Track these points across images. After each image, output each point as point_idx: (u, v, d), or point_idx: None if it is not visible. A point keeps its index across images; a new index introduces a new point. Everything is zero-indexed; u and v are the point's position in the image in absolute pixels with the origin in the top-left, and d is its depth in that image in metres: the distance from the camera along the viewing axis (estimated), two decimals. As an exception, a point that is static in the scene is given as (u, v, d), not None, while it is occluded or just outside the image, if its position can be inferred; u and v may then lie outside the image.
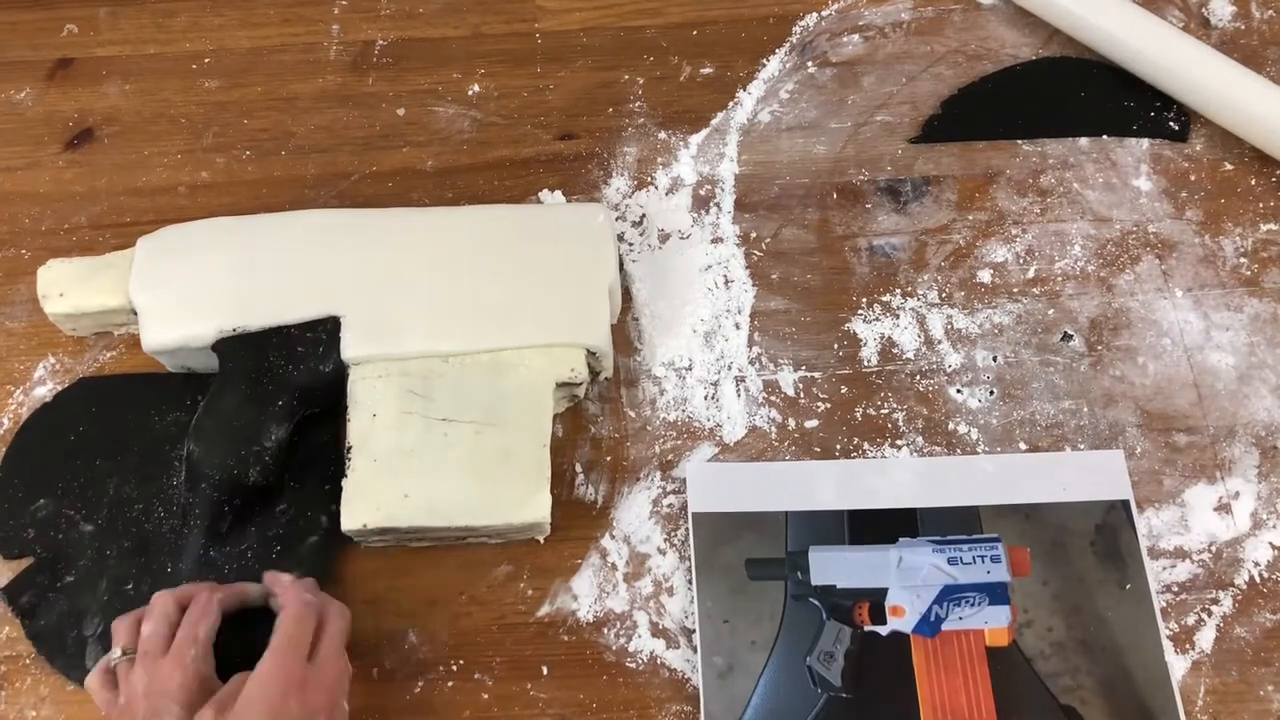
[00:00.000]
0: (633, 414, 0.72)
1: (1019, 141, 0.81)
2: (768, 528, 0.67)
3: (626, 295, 0.76)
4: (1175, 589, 0.66)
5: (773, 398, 0.72)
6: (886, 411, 0.72)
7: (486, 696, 0.64)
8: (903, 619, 0.64)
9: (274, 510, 0.68)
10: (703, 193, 0.80)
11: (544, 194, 0.80)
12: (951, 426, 0.71)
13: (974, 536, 0.66)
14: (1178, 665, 0.64)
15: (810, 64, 0.85)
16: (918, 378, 0.73)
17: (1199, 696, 0.63)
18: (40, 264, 0.73)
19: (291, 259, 0.71)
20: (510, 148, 0.82)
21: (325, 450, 0.70)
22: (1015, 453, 0.70)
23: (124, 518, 0.68)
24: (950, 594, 0.65)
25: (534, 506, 0.65)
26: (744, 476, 0.69)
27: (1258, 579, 0.66)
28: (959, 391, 0.72)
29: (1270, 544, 0.67)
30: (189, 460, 0.67)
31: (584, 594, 0.67)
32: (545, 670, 0.65)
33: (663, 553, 0.68)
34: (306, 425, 0.70)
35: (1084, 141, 0.81)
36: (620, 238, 0.78)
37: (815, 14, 0.88)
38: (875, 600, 0.65)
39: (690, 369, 0.73)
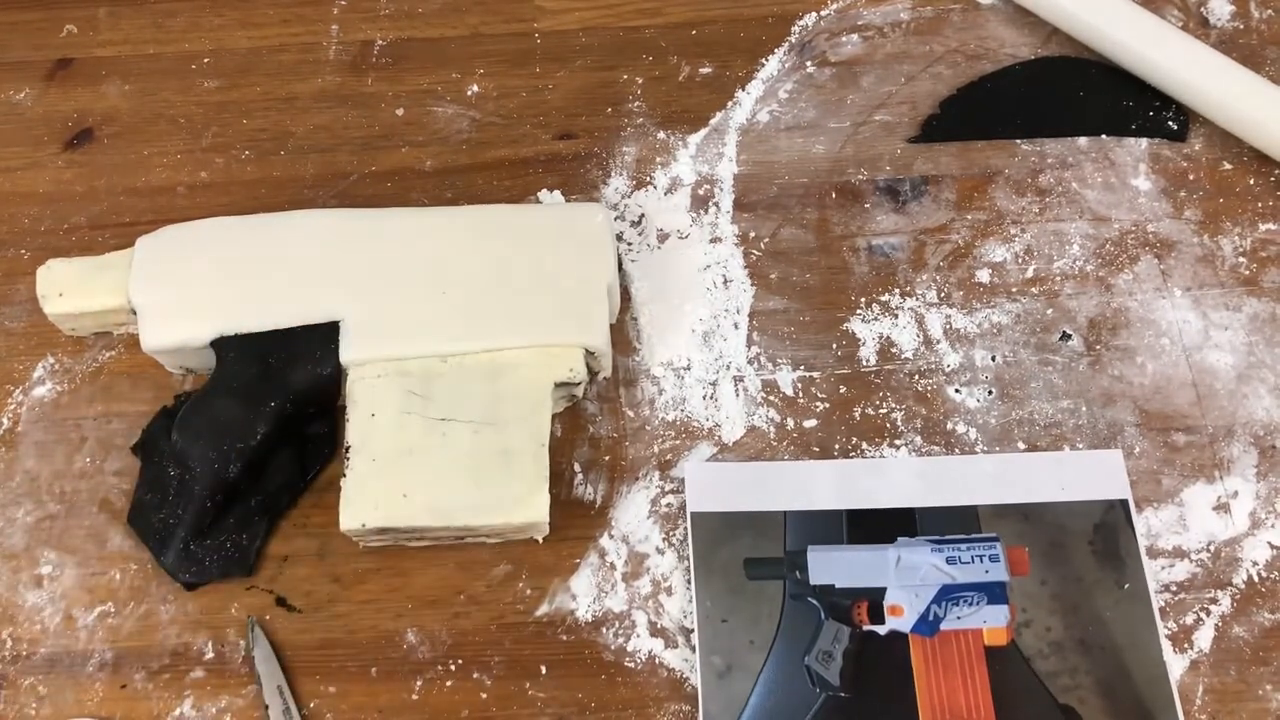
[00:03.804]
0: (631, 414, 0.72)
1: (1018, 141, 0.81)
2: (766, 527, 0.67)
3: (625, 295, 0.76)
4: (1174, 588, 0.66)
5: (771, 397, 0.72)
6: (885, 411, 0.72)
7: (485, 696, 0.64)
8: (901, 618, 0.64)
9: (250, 503, 0.68)
10: (701, 192, 0.80)
11: (543, 194, 0.80)
12: (950, 426, 0.71)
13: (972, 536, 0.66)
14: (1176, 665, 0.64)
15: (809, 64, 0.85)
16: (916, 377, 0.73)
17: (1197, 696, 0.63)
18: (40, 264, 0.73)
19: (291, 259, 0.71)
20: (509, 148, 0.82)
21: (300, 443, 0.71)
22: (1014, 452, 0.70)
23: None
24: (949, 593, 0.65)
25: (532, 506, 0.65)
26: (742, 476, 0.69)
27: (1256, 578, 0.66)
28: (957, 391, 0.72)
29: (1269, 543, 0.67)
30: (174, 453, 0.67)
31: (582, 593, 0.67)
32: (544, 670, 0.65)
33: (661, 552, 0.68)
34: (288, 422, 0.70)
35: (1083, 141, 0.81)
36: (619, 237, 0.78)
37: (814, 14, 0.88)
38: (874, 600, 0.65)
39: (689, 369, 0.73)
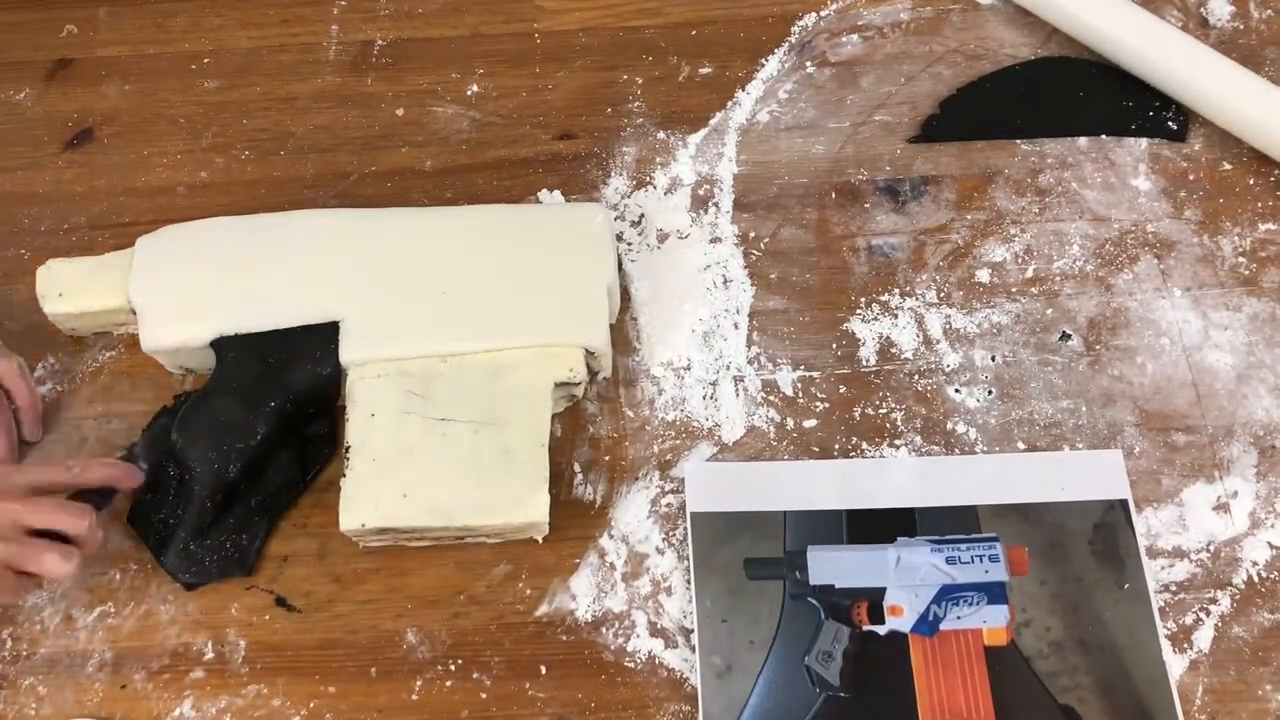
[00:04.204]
0: (631, 414, 0.72)
1: (1017, 141, 0.81)
2: (766, 527, 0.67)
3: (625, 295, 0.76)
4: (1173, 588, 0.66)
5: (771, 397, 0.72)
6: (885, 411, 0.72)
7: (485, 696, 0.64)
8: (901, 618, 0.64)
9: (250, 503, 0.68)
10: (701, 192, 0.80)
11: (543, 194, 0.80)
12: (950, 426, 0.71)
13: (972, 536, 0.66)
14: (1176, 664, 0.64)
15: (809, 64, 0.85)
16: (916, 377, 0.73)
17: (1197, 696, 0.63)
18: (40, 264, 0.73)
19: (291, 260, 0.71)
20: (509, 148, 0.82)
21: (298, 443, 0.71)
22: (1014, 452, 0.70)
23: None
24: (948, 593, 0.65)
25: (532, 506, 0.65)
26: (742, 476, 0.69)
27: (1256, 578, 0.66)
28: (957, 391, 0.72)
29: (1268, 543, 0.67)
30: (174, 452, 0.68)
31: (582, 593, 0.67)
32: (544, 670, 0.65)
33: (661, 552, 0.68)
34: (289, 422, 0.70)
35: (1083, 141, 0.81)
36: (619, 237, 0.78)
37: (814, 14, 0.88)
38: (874, 600, 0.65)
39: (689, 369, 0.73)
